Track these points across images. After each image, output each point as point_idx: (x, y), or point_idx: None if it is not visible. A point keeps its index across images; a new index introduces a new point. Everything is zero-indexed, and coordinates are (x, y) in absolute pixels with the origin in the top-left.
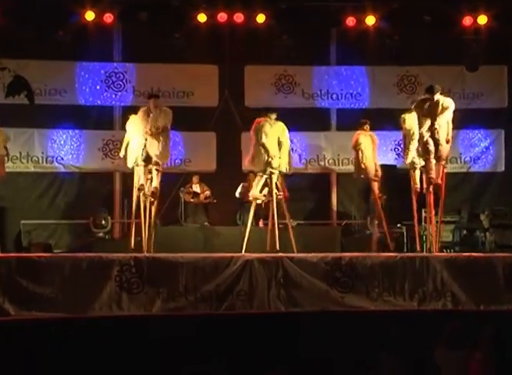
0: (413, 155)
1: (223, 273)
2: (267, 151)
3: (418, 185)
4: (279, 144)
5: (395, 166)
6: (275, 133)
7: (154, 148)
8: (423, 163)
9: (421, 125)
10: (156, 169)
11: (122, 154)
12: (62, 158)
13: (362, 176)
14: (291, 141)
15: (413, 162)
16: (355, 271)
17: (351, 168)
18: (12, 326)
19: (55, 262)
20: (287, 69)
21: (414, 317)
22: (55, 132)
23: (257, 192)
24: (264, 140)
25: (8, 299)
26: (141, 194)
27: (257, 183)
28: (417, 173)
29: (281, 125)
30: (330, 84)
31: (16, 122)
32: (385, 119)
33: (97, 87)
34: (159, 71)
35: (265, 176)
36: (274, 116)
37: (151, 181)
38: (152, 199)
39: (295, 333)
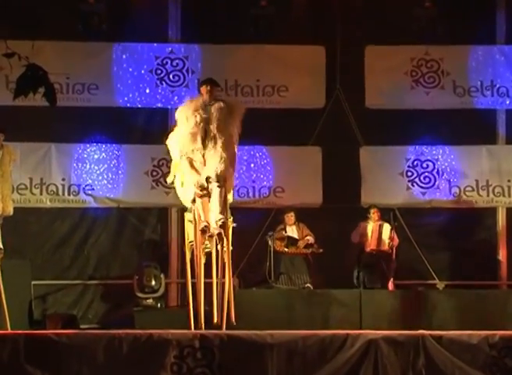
0: None
1: (335, 360)
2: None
3: None
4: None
5: None
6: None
7: (215, 161)
8: None
9: None
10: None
11: (170, 180)
12: (93, 188)
13: None
14: (435, 159)
15: None
16: None
17: None
18: None
19: (82, 342)
20: (430, 50)
21: None
22: (81, 148)
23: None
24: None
25: None
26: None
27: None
28: None
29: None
30: (496, 73)
31: (24, 133)
32: None
33: (145, 80)
34: (236, 56)
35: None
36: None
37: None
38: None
39: None
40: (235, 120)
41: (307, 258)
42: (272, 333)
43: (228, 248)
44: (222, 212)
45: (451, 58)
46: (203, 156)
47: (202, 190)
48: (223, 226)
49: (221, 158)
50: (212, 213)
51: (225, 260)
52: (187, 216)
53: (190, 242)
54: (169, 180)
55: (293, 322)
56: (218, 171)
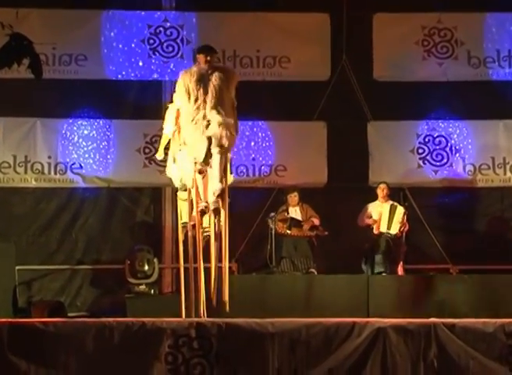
0: None
1: (340, 350)
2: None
3: None
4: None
5: None
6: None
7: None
8: None
9: None
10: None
11: (160, 156)
12: (81, 166)
13: None
14: (448, 135)
15: None
16: None
17: None
18: None
19: (69, 331)
20: (443, 18)
21: None
22: (68, 123)
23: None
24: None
25: None
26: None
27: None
28: None
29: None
30: None
31: (8, 107)
32: None
33: (136, 51)
34: (235, 25)
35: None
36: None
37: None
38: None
39: None
40: (232, 88)
41: (311, 241)
42: (273, 322)
43: (225, 222)
44: (221, 181)
45: (465, 26)
46: (206, 127)
47: (204, 165)
48: (221, 195)
49: (221, 124)
50: (213, 180)
51: (222, 235)
52: (181, 194)
53: (183, 223)
54: (159, 156)
55: (295, 309)
56: (219, 136)
